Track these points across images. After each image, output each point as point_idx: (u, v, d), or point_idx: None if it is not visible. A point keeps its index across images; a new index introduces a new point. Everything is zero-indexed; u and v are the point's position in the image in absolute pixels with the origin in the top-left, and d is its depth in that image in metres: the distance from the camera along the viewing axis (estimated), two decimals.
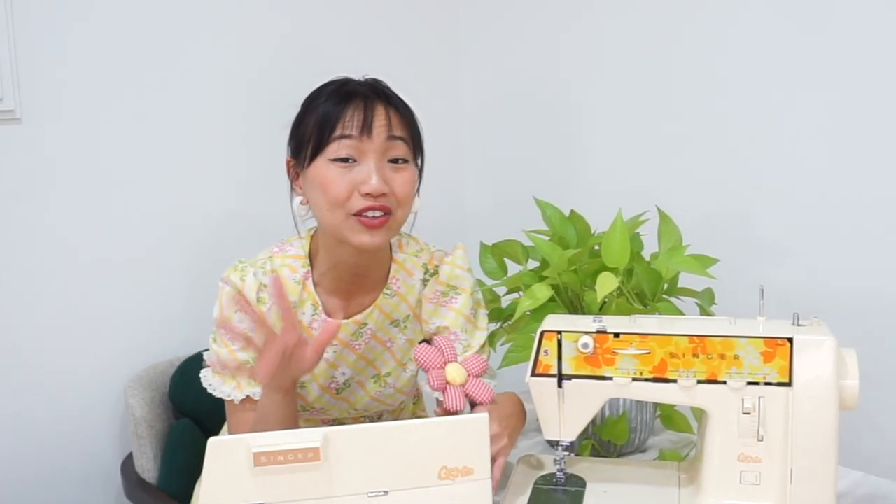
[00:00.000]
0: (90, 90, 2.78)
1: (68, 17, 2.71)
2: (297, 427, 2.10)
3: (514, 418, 2.10)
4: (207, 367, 2.26)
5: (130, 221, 2.90)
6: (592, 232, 2.49)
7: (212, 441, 1.58)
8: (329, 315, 2.22)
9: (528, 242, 2.43)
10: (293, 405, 2.09)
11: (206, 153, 3.05)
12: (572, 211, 2.48)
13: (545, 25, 3.43)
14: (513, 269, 2.49)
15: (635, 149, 3.22)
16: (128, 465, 2.81)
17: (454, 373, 1.99)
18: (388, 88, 2.17)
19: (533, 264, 2.44)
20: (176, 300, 3.01)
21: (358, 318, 2.24)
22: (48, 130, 2.71)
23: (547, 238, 2.41)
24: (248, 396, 2.16)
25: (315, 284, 2.22)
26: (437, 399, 2.04)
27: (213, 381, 2.22)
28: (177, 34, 2.95)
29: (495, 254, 2.47)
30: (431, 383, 1.99)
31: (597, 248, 2.35)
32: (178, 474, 2.69)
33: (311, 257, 2.25)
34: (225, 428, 2.43)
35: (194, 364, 2.82)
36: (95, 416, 2.90)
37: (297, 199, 2.17)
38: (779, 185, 2.85)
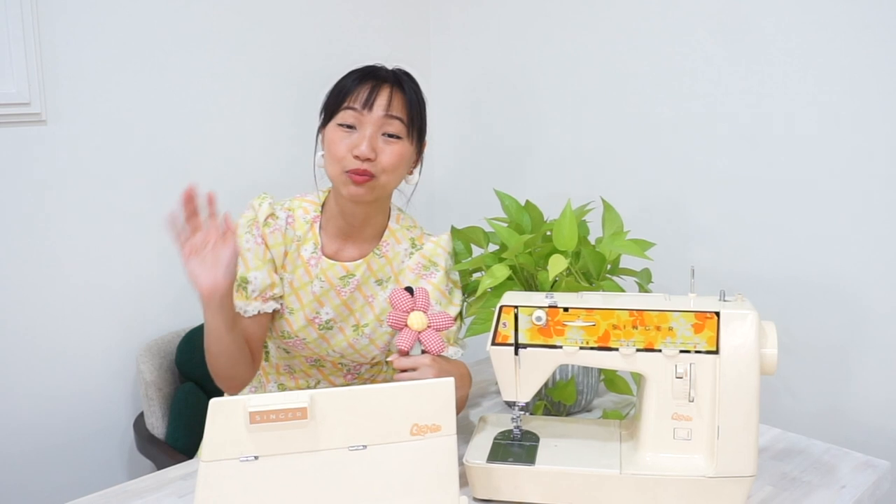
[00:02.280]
0: (110, 93, 2.77)
1: (90, 23, 2.71)
2: (236, 358, 2.22)
3: (451, 376, 2.10)
4: None
5: (143, 215, 2.90)
6: (545, 219, 2.47)
7: (213, 402, 1.57)
8: (326, 255, 2.31)
9: (489, 228, 2.42)
10: (229, 327, 2.15)
11: (210, 150, 3.05)
12: (527, 201, 2.47)
13: (508, 34, 3.42)
14: (476, 251, 2.48)
15: (583, 147, 3.21)
16: (139, 423, 2.82)
17: (415, 319, 2.00)
18: (405, 77, 2.29)
19: (493, 248, 2.43)
20: (182, 279, 2.99)
21: (348, 265, 2.31)
22: (71, 130, 2.70)
23: (505, 225, 2.40)
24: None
25: (320, 227, 2.33)
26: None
27: None
28: (191, 39, 2.96)
29: (460, 238, 2.46)
30: (390, 320, 2.01)
31: (549, 233, 2.34)
32: (183, 431, 2.69)
33: (323, 206, 2.35)
34: None
35: (198, 335, 2.83)
36: (111, 381, 2.90)
37: (320, 153, 2.29)
38: (708, 179, 2.86)
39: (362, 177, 2.16)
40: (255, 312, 2.26)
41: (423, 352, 2.03)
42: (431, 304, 2.09)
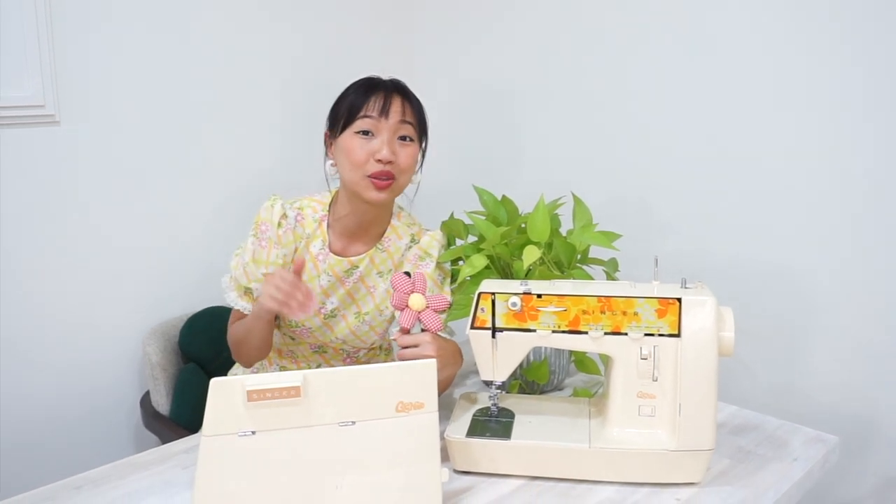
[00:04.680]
0: (120, 95, 2.77)
1: (102, 28, 2.70)
2: (268, 348, 2.32)
3: (447, 352, 2.10)
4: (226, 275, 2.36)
5: (151, 210, 2.91)
6: (520, 213, 2.48)
7: (213, 381, 1.58)
8: (333, 252, 2.32)
9: (468, 221, 2.42)
10: (270, 334, 2.29)
11: (216, 150, 3.06)
12: (504, 196, 2.47)
13: (487, 42, 3.41)
14: (456, 242, 2.49)
15: (555, 146, 3.21)
16: (146, 401, 2.82)
17: (415, 300, 2.03)
18: (405, 86, 2.32)
19: (472, 239, 2.43)
20: (184, 269, 3.00)
21: (353, 259, 2.32)
22: (84, 131, 2.70)
23: (483, 218, 2.40)
24: (238, 310, 2.33)
25: (328, 226, 2.34)
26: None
27: (225, 286, 2.35)
28: (197, 44, 2.96)
29: (443, 230, 2.46)
30: (393, 301, 2.04)
31: (523, 226, 2.34)
32: (187, 408, 2.69)
33: (331, 206, 2.35)
34: (231, 370, 2.56)
35: (200, 319, 2.86)
36: (120, 362, 2.90)
37: (329, 161, 2.32)
38: (669, 175, 2.86)
39: (385, 181, 2.19)
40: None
41: (423, 330, 2.05)
42: (428, 286, 2.10)
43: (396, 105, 2.22)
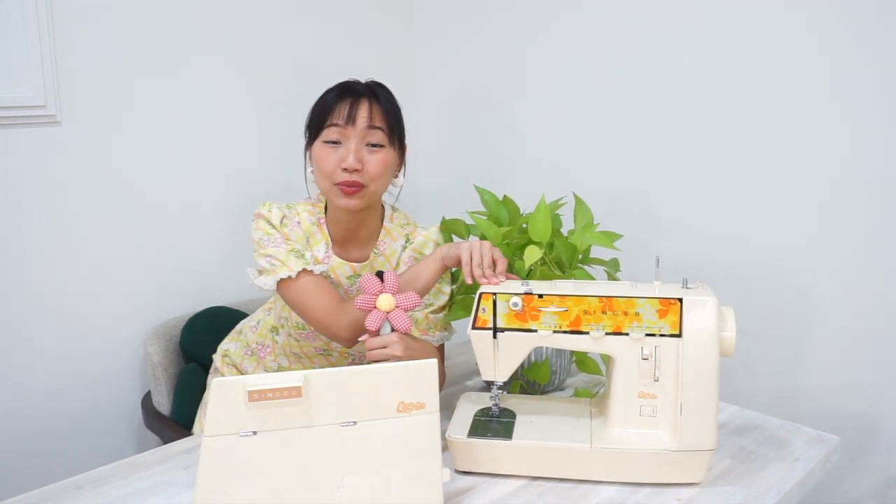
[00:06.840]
0: (120, 96, 2.76)
1: (102, 30, 2.69)
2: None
3: (417, 353, 2.04)
4: (258, 277, 2.22)
5: (152, 211, 2.90)
6: (521, 213, 2.47)
7: (214, 381, 1.58)
8: (336, 255, 2.30)
9: (470, 221, 2.42)
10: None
11: (216, 152, 3.06)
12: (505, 196, 2.46)
13: (488, 43, 3.41)
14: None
15: (556, 146, 3.21)
16: (147, 400, 2.81)
17: (383, 301, 1.97)
18: (379, 89, 2.27)
19: (474, 239, 2.43)
20: (185, 269, 3.00)
21: (355, 266, 2.31)
22: (84, 131, 2.70)
23: (485, 217, 2.40)
24: (303, 269, 2.18)
25: (327, 228, 2.32)
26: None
27: (267, 280, 2.19)
28: (202, 45, 2.96)
29: (444, 230, 2.46)
30: (358, 304, 1.99)
31: (524, 225, 2.34)
32: (187, 408, 2.68)
33: (326, 211, 2.33)
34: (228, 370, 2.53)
35: (201, 319, 2.85)
36: (121, 362, 2.90)
37: (309, 168, 2.28)
38: (670, 175, 2.86)
39: (352, 188, 2.15)
40: (321, 271, 2.22)
41: (393, 330, 2.02)
42: (398, 283, 2.05)
43: (363, 111, 2.19)
